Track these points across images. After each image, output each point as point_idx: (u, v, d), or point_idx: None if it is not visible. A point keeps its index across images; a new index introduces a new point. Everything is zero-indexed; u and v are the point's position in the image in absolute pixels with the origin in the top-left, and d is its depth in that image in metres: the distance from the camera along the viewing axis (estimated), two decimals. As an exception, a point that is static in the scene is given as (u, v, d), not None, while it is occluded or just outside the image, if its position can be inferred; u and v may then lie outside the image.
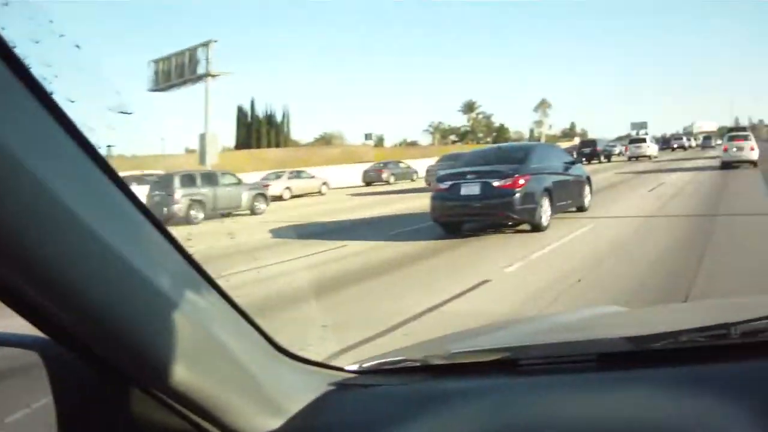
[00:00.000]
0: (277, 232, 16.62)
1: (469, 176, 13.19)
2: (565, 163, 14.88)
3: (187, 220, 21.34)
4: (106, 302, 0.91)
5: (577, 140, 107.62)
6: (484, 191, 12.81)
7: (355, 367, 1.44)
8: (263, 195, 26.02)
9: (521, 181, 12.75)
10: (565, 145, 74.09)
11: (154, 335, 0.98)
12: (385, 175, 43.56)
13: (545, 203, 13.04)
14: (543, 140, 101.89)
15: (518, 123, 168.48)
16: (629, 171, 33.84)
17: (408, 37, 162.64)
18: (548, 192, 13.15)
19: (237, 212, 24.44)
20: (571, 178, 14.71)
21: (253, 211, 24.78)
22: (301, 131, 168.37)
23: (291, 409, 1.21)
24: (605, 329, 1.80)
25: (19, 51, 0.78)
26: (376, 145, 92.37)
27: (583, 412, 1.14)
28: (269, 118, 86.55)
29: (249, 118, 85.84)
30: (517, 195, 12.62)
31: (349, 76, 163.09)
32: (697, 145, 76.66)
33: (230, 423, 1.13)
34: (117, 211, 0.93)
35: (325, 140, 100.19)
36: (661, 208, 15.82)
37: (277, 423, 1.18)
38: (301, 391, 1.27)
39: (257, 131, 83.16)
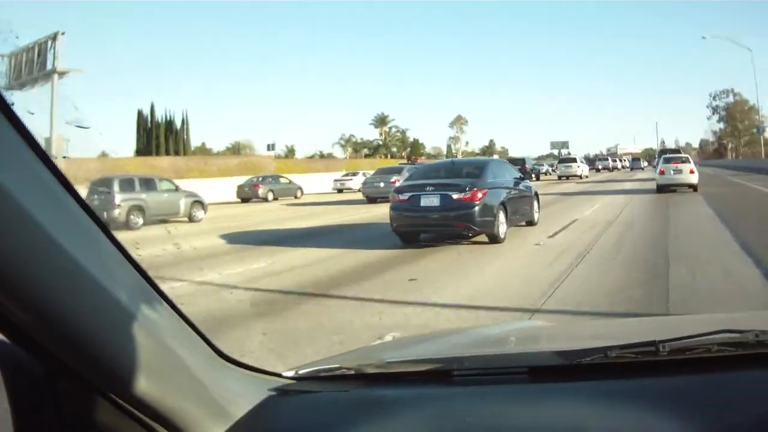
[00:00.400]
0: (227, 239, 17.17)
1: (428, 188, 13.79)
2: (515, 178, 15.74)
3: (127, 226, 21.29)
4: (64, 309, 0.96)
5: (495, 158, 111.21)
6: (444, 203, 13.45)
7: (292, 373, 1.50)
8: (201, 202, 26.00)
9: (479, 195, 13.46)
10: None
11: (110, 342, 1.04)
12: (261, 191, 40.96)
13: (501, 216, 13.79)
14: (460, 156, 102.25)
15: (434, 139, 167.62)
16: (560, 192, 33.17)
17: (317, 44, 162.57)
18: (503, 206, 13.91)
19: (174, 219, 24.56)
20: (522, 194, 15.60)
21: (190, 218, 24.97)
22: (212, 140, 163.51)
23: (235, 415, 1.28)
24: (536, 343, 1.90)
25: None
26: (285, 156, 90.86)
27: (515, 423, 1.19)
28: (169, 124, 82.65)
29: (149, 124, 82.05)
30: (476, 208, 13.32)
31: (258, 83, 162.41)
32: (624, 167, 76.55)
33: (180, 426, 1.19)
34: (71, 218, 0.99)
35: (233, 150, 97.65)
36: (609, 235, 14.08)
37: (223, 428, 1.25)
38: (243, 397, 1.33)
39: (156, 138, 79.47)
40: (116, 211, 21.34)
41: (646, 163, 77.40)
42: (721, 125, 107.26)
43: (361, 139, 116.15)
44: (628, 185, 36.07)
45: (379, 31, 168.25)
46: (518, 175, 16.56)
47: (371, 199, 31.29)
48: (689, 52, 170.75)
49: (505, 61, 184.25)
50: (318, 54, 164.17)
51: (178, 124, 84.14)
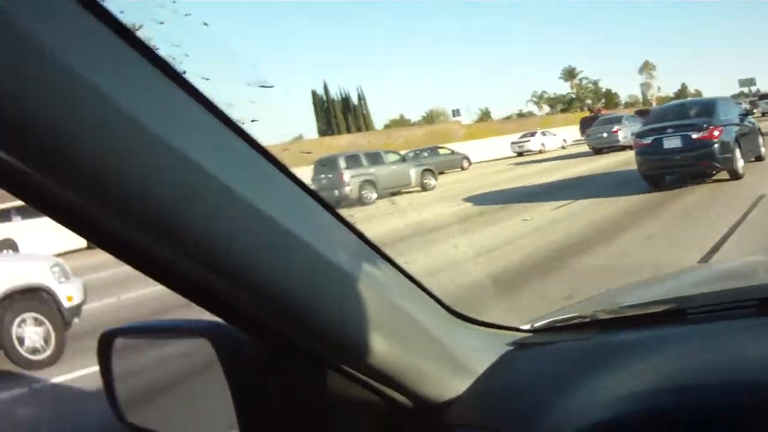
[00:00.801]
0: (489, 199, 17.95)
1: (668, 130, 14.33)
2: (740, 115, 15.94)
3: (360, 201, 22.30)
4: (284, 283, 0.93)
5: (720, 96, 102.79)
6: (685, 143, 13.96)
7: (528, 326, 1.50)
8: (431, 171, 26.74)
9: (716, 132, 13.87)
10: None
11: (337, 311, 1.02)
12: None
13: (737, 152, 14.14)
14: (655, 104, 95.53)
15: (625, 87, 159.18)
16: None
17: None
18: (737, 141, 14.24)
19: (406, 190, 25.14)
20: (749, 129, 15.82)
21: (423, 188, 25.49)
22: (409, 111, 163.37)
23: (475, 371, 1.26)
24: (765, 275, 1.82)
25: (143, 33, 0.76)
26: (480, 120, 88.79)
27: (748, 357, 1.16)
28: (345, 101, 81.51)
29: (326, 104, 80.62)
30: (716, 145, 13.75)
31: (444, 46, 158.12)
32: None
33: (421, 390, 1.17)
34: (285, 193, 0.96)
35: (427, 119, 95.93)
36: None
37: (465, 385, 1.23)
38: (482, 353, 1.32)
39: (335, 117, 78.43)
40: (347, 188, 22.49)
41: None
42: None
43: (554, 94, 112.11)
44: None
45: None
46: (743, 111, 16.78)
47: (597, 150, 31.37)
48: None
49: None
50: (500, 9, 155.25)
51: (354, 100, 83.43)
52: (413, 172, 25.50)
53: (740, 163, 14.06)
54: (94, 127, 0.69)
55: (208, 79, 0.87)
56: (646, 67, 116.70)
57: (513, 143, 44.46)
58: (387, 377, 1.13)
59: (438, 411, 1.21)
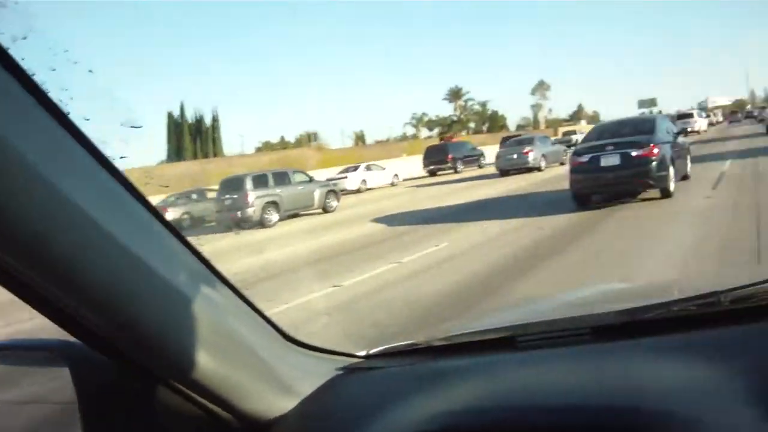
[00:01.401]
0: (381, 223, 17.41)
1: (608, 148, 14.32)
2: (674, 133, 16.24)
3: (261, 223, 21.79)
4: (127, 301, 1.01)
5: (582, 123, 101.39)
6: (624, 161, 13.97)
7: (363, 353, 1.54)
8: (334, 192, 26.60)
9: (655, 150, 13.94)
10: (570, 128, 68.81)
11: (174, 330, 1.09)
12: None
13: (671, 170, 14.27)
14: (543, 125, 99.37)
15: (517, 108, 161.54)
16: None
17: (381, 17, 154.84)
18: (672, 160, 14.39)
19: (307, 212, 24.97)
20: (681, 147, 16.12)
21: (325, 209, 25.28)
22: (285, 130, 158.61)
23: (303, 392, 1.33)
24: (601, 304, 1.90)
25: (38, 78, 0.89)
26: (355, 144, 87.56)
27: (579, 381, 1.19)
28: (197, 125, 78.47)
29: (180, 127, 77.52)
30: (654, 163, 13.83)
31: (322, 68, 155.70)
32: (713, 123, 61.87)
33: (246, 408, 1.24)
34: (133, 216, 1.04)
35: (298, 143, 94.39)
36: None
37: (290, 405, 1.30)
38: (311, 376, 1.38)
39: (185, 141, 74.84)
40: (250, 210, 21.82)
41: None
42: None
43: (437, 116, 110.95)
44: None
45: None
46: (676, 129, 17.04)
47: (504, 172, 31.27)
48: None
49: (584, 18, 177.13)
50: (377, 26, 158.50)
51: (208, 123, 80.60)
52: (317, 194, 25.24)
53: (672, 182, 14.19)
54: None
55: (88, 119, 0.98)
56: (540, 87, 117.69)
57: (329, 180, 32.74)
58: (216, 395, 1.18)
59: (262, 429, 1.26)
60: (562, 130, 65.19)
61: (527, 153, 30.68)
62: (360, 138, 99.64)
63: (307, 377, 1.38)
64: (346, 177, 36.36)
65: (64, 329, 1.09)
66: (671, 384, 1.12)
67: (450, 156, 39.07)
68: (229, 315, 1.22)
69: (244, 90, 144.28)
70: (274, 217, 22.47)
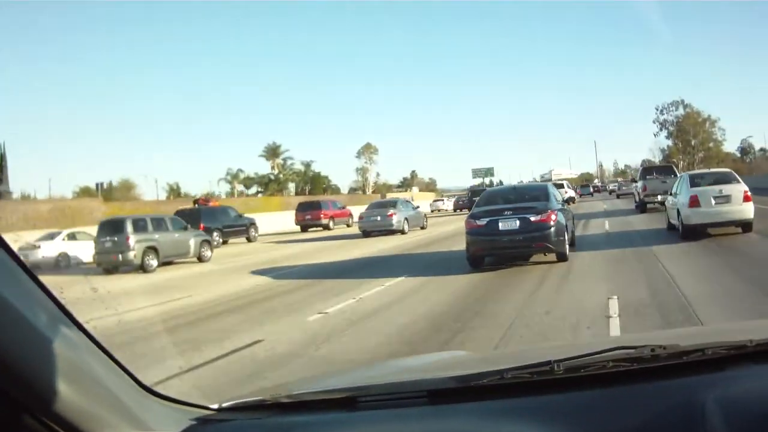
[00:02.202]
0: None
1: (506, 212, 15.09)
2: (563, 201, 17.71)
3: (143, 268, 21.91)
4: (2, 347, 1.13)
5: (414, 190, 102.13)
6: (522, 226, 14.76)
7: (215, 405, 1.66)
8: (208, 242, 26.87)
9: (553, 216, 14.92)
10: (400, 194, 69.99)
11: (40, 368, 1.21)
12: None
13: (566, 235, 15.53)
14: (370, 190, 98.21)
15: (341, 171, 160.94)
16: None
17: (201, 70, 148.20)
18: (566, 226, 15.63)
19: (183, 260, 25.08)
20: (569, 214, 17.43)
21: (200, 258, 25.56)
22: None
23: None
24: (443, 370, 2.01)
25: None
26: (169, 197, 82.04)
27: None
28: None
29: None
30: (552, 228, 14.80)
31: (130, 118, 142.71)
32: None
33: None
34: (8, 274, 1.17)
35: (108, 191, 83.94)
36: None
37: None
38: (167, 424, 1.48)
39: None
40: (132, 253, 21.81)
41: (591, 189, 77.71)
42: (670, 142, 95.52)
43: (256, 173, 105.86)
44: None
45: (266, 44, 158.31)
46: (564, 197, 18.68)
47: (366, 233, 32.25)
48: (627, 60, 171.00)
49: (415, 80, 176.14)
50: (196, 78, 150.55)
51: None
52: (193, 242, 25.44)
53: (567, 246, 15.41)
54: None
55: None
56: (367, 150, 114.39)
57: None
58: (80, 431, 1.25)
59: None
60: (390, 196, 66.11)
61: (391, 216, 31.61)
62: (174, 191, 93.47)
63: (163, 425, 1.44)
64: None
65: None
66: None
67: (201, 225, 30.98)
68: (89, 360, 1.30)
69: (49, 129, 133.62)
70: (154, 262, 22.74)
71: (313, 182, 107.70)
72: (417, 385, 1.61)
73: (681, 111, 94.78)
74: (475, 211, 16.25)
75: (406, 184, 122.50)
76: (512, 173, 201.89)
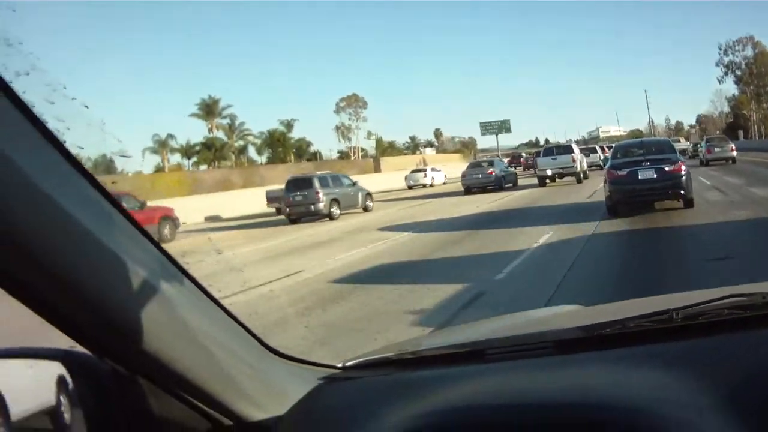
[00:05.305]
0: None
1: (644, 163, 18.13)
2: (680, 151, 21.80)
3: (329, 216, 30.12)
4: (120, 307, 1.16)
5: (427, 151, 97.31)
6: (659, 175, 17.82)
7: (340, 364, 1.77)
8: (370, 195, 35.33)
9: (683, 167, 18.13)
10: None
11: (166, 335, 1.25)
12: None
13: (691, 184, 18.84)
14: (358, 155, 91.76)
15: (319, 132, 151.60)
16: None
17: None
18: (689, 176, 18.81)
19: (353, 210, 32.86)
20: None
21: (365, 209, 33.85)
22: None
23: (290, 400, 1.55)
24: (565, 321, 2.13)
25: (37, 110, 1.06)
26: None
27: (542, 389, 1.36)
28: None
29: None
30: (683, 177, 17.96)
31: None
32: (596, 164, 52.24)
33: (236, 411, 1.42)
34: (123, 231, 1.20)
35: None
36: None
37: (280, 410, 1.51)
38: (296, 385, 1.59)
39: None
40: (321, 204, 29.69)
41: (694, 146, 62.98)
42: (736, 90, 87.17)
43: (187, 141, 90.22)
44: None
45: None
46: (681, 150, 24.00)
47: (468, 190, 39.79)
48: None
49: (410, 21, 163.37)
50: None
51: None
52: (360, 195, 33.85)
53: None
54: None
55: (82, 148, 1.15)
56: (352, 102, 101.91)
57: None
58: (209, 397, 1.36)
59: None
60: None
61: (491, 172, 38.88)
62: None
63: (291, 386, 1.57)
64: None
65: (66, 334, 1.21)
66: (627, 387, 1.30)
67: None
68: (214, 324, 1.39)
69: None
70: (338, 211, 30.98)
71: (285, 147, 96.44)
72: (542, 336, 1.70)
73: (750, 52, 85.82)
74: (615, 162, 19.39)
75: (414, 145, 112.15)
76: (534, 128, 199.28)
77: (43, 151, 1.06)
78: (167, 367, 1.26)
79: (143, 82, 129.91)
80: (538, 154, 43.55)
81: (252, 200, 41.37)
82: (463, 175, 41.76)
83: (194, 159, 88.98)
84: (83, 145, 1.16)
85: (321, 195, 29.53)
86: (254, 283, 12.26)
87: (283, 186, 32.68)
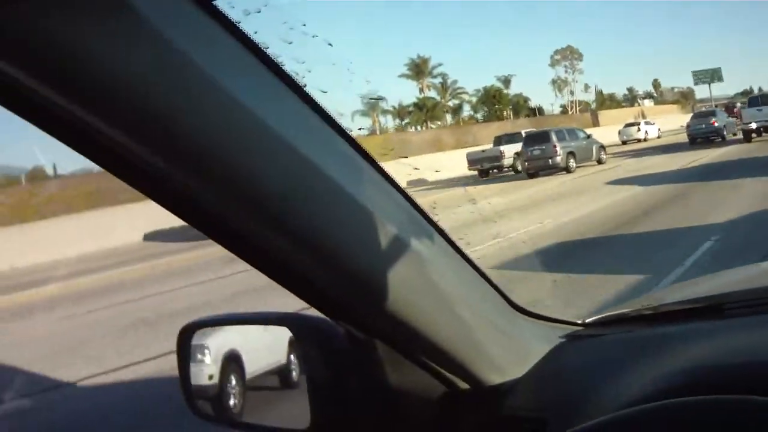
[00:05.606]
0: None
1: None
2: None
3: (567, 169, 31.56)
4: (365, 266, 1.14)
5: (646, 103, 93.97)
6: None
7: (581, 321, 1.73)
8: (603, 147, 36.54)
9: None
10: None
11: (409, 294, 1.22)
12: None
13: None
14: (576, 109, 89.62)
15: (535, 88, 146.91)
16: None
17: None
18: None
19: (588, 163, 33.86)
20: None
21: (599, 161, 34.96)
22: None
23: (530, 360, 1.50)
24: None
25: (272, 51, 0.97)
26: None
27: None
28: None
29: None
30: None
31: None
32: None
33: (479, 375, 1.40)
34: (371, 183, 1.15)
35: None
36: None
37: (519, 373, 1.47)
38: (537, 344, 1.55)
39: None
40: (558, 158, 31.73)
41: None
42: None
43: (400, 103, 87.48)
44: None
45: None
46: None
47: (693, 140, 39.65)
48: None
49: None
50: None
51: None
52: (594, 148, 35.13)
53: None
54: (228, 128, 0.91)
55: (325, 92, 1.06)
56: (568, 55, 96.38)
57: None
58: (450, 361, 1.35)
59: (493, 396, 1.42)
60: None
61: (714, 123, 39.35)
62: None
63: (534, 345, 1.53)
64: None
65: (299, 297, 1.23)
66: None
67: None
68: (462, 282, 1.36)
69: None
70: (573, 164, 32.51)
71: (502, 104, 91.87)
72: None
73: None
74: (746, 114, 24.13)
75: (632, 97, 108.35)
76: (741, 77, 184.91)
77: (281, 98, 1.01)
78: (408, 330, 1.24)
79: (347, 42, 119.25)
80: (731, 106, 43.38)
81: (459, 161, 38.10)
82: (688, 126, 42.30)
83: (407, 120, 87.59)
84: (326, 88, 1.08)
85: (558, 149, 31.09)
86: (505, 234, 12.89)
87: (486, 146, 35.39)
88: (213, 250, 1.54)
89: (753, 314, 1.43)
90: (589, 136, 35.13)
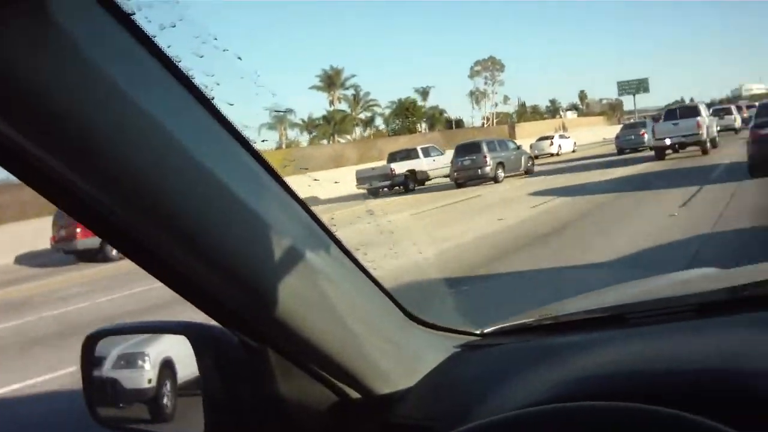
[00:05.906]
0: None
1: None
2: None
3: (495, 179, 31.97)
4: (254, 271, 1.15)
5: (568, 115, 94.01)
6: None
7: (478, 331, 1.73)
8: (532, 158, 37.65)
9: None
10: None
11: (299, 303, 1.23)
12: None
13: None
14: (493, 122, 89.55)
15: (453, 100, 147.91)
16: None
17: None
18: None
19: (516, 173, 34.05)
20: None
21: (527, 171, 35.25)
22: None
23: (424, 369, 1.52)
24: (704, 284, 2.09)
25: (183, 64, 1.00)
26: None
27: (686, 353, 1.32)
28: None
29: None
30: None
31: None
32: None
33: (369, 384, 1.42)
34: (269, 192, 1.18)
35: None
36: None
37: (410, 382, 1.48)
38: (431, 353, 1.57)
39: None
40: (488, 168, 31.65)
41: None
42: None
43: (309, 115, 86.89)
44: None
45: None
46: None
47: (621, 150, 40.82)
48: None
49: None
50: None
51: None
52: (523, 158, 35.66)
53: None
54: (135, 138, 0.93)
55: (232, 104, 1.11)
56: (489, 66, 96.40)
57: None
58: (340, 370, 1.36)
59: (384, 406, 1.44)
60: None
61: (643, 134, 39.29)
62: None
63: (428, 354, 1.54)
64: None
65: (199, 308, 1.25)
66: None
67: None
68: (357, 292, 1.37)
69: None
70: (502, 174, 32.55)
71: (416, 117, 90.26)
72: (684, 300, 1.63)
73: None
74: (757, 121, 19.68)
75: (554, 109, 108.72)
76: (670, 88, 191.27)
77: (189, 110, 1.02)
78: (299, 339, 1.25)
79: (260, 54, 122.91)
80: (657, 118, 38.61)
81: (348, 179, 34.97)
82: (617, 137, 42.89)
83: (314, 134, 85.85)
84: (234, 101, 1.12)
85: (488, 159, 31.50)
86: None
87: (374, 165, 34.54)
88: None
89: (655, 323, 1.47)
90: (518, 147, 35.99)
